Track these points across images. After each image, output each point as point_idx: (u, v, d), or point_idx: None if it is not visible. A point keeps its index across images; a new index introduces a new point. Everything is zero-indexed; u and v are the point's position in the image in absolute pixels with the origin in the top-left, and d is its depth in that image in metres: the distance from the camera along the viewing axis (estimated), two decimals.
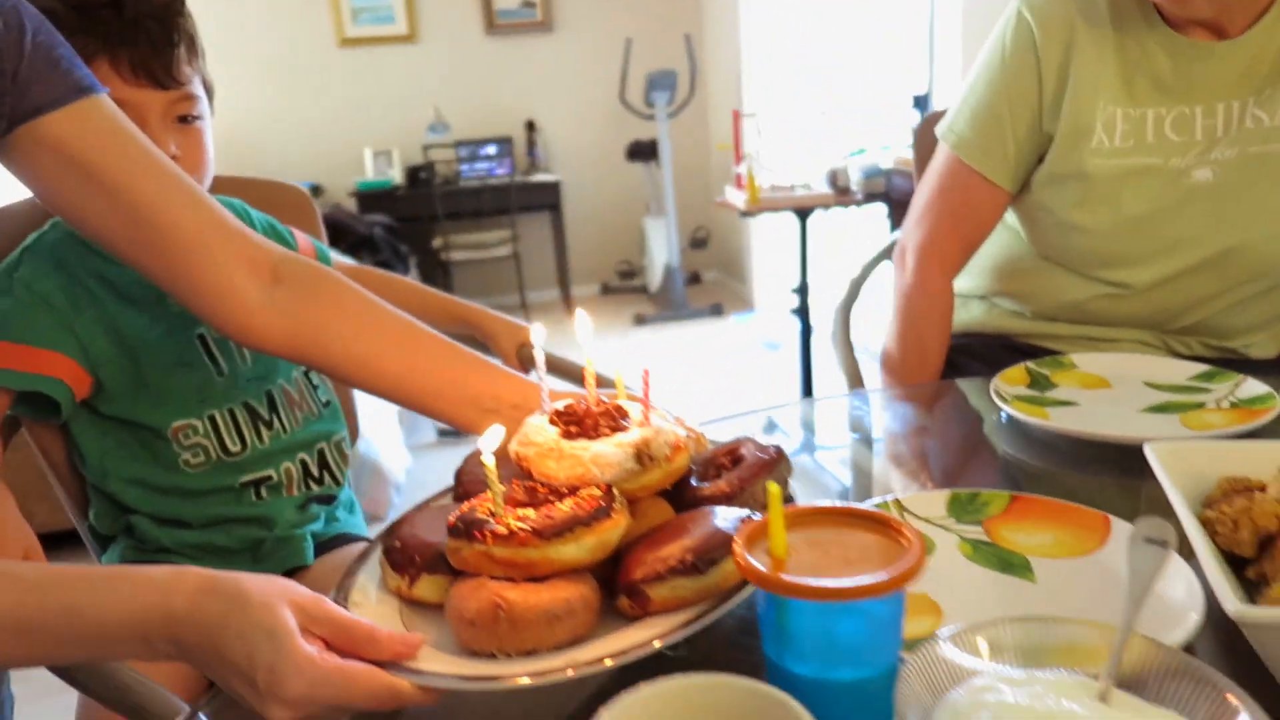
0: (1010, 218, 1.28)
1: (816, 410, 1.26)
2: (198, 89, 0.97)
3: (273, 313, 0.80)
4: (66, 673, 0.71)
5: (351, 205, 5.11)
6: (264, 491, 1.01)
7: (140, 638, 0.58)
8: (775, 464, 0.73)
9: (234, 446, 1.00)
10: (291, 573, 1.02)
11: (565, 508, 0.64)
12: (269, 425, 1.03)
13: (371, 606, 0.67)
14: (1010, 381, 1.04)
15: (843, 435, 1.13)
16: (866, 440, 1.10)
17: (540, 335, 0.78)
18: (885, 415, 1.18)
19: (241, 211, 1.09)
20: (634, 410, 0.73)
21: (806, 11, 4.60)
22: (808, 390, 3.33)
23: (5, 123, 0.73)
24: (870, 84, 4.19)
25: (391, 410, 3.13)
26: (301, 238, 1.14)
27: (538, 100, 5.55)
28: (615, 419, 0.71)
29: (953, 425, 1.11)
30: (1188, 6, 1.06)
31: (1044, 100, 1.17)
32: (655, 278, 5.31)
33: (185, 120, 0.96)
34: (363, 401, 2.87)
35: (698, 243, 5.50)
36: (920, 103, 3.32)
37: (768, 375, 4.08)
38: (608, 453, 0.67)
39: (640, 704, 0.41)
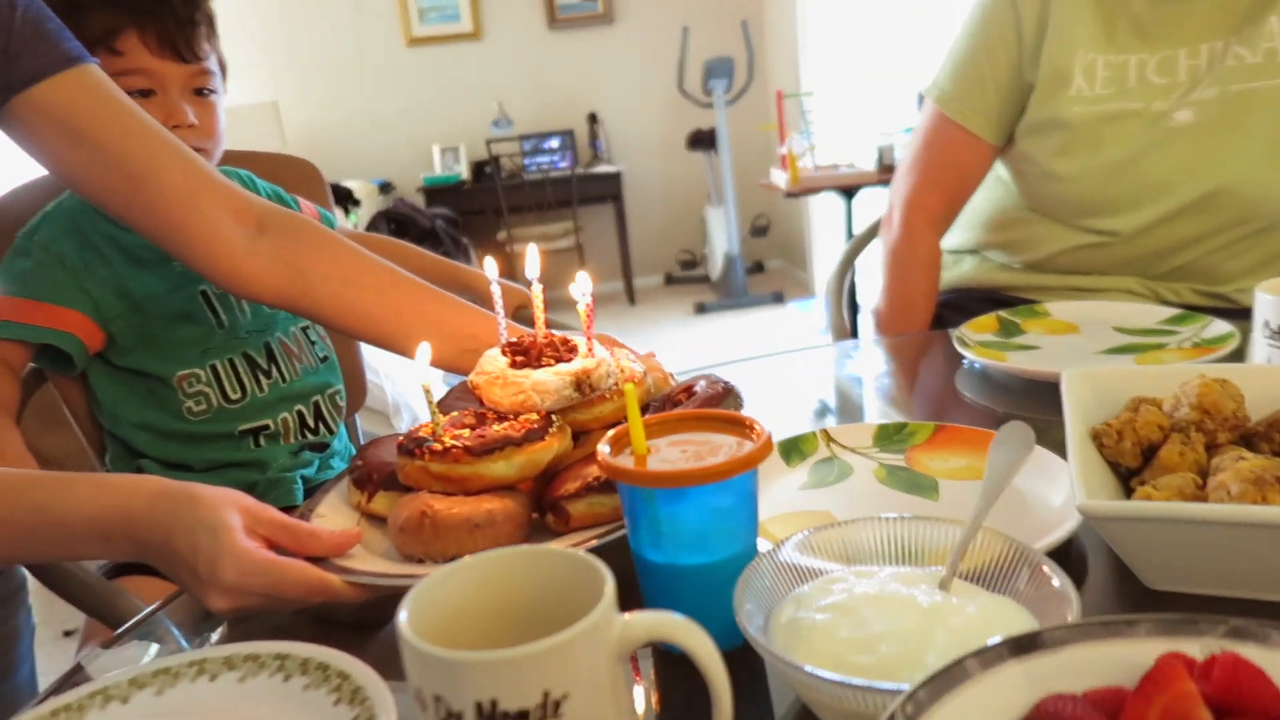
0: (1000, 169, 1.28)
1: (803, 359, 1.29)
2: (214, 65, 1.06)
3: (260, 259, 0.87)
4: (58, 588, 0.78)
5: (420, 200, 5.26)
6: (261, 440, 1.08)
7: (102, 536, 0.65)
8: (723, 397, 0.76)
9: (234, 394, 1.07)
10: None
11: (500, 429, 0.69)
12: (267, 375, 1.09)
13: (334, 519, 0.74)
14: (978, 329, 1.05)
15: (822, 388, 1.15)
16: (848, 388, 1.12)
17: (493, 269, 0.82)
18: (868, 362, 1.20)
19: (248, 180, 1.16)
20: (584, 345, 0.76)
21: None
22: None
23: (0, 94, 0.81)
24: (924, 61, 4.12)
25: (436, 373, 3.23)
26: (306, 204, 1.20)
27: (599, 92, 5.62)
28: (560, 351, 0.76)
29: (931, 374, 1.12)
30: None
31: (1023, 49, 1.17)
32: (717, 267, 5.32)
33: (201, 93, 1.05)
34: (400, 381, 2.97)
35: (759, 230, 5.49)
36: None
37: (824, 361, 4.05)
38: (547, 380, 0.71)
39: (453, 573, 0.45)
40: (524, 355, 0.75)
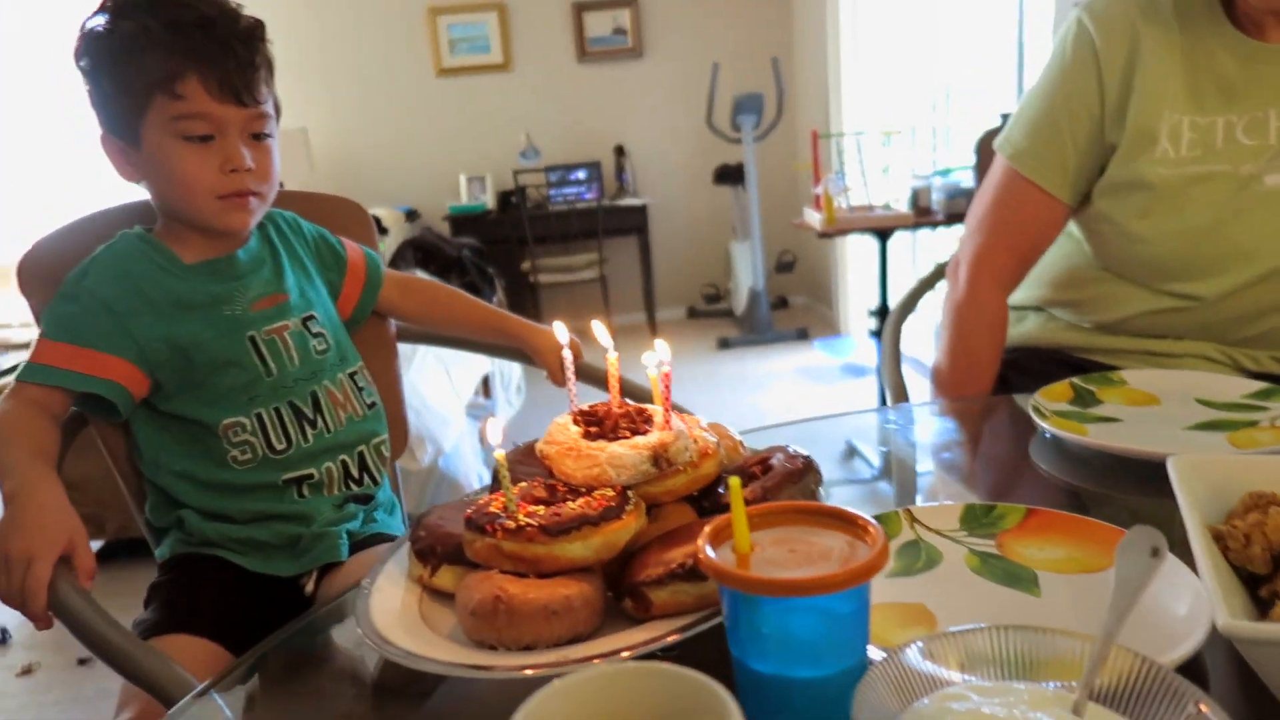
0: (1072, 226, 1.24)
1: (862, 422, 1.23)
2: (270, 108, 1.05)
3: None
4: (95, 648, 0.75)
5: (445, 229, 5.27)
6: (305, 489, 1.05)
7: None
8: (802, 473, 0.72)
9: (279, 444, 1.05)
10: (326, 568, 1.06)
11: (575, 506, 0.65)
12: (313, 424, 1.07)
13: (393, 592, 0.70)
14: (1053, 397, 1.00)
15: (881, 450, 1.11)
16: (906, 454, 1.08)
17: (564, 334, 0.80)
18: (932, 428, 1.15)
19: (292, 222, 1.17)
20: (658, 416, 0.73)
21: (895, 33, 4.55)
22: None
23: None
24: (957, 104, 4.11)
25: (472, 432, 3.20)
26: (351, 246, 1.21)
27: (627, 125, 5.63)
28: (636, 421, 0.72)
29: (1000, 440, 1.08)
30: None
31: (1106, 108, 1.14)
32: (741, 302, 5.30)
33: (258, 137, 1.04)
34: (445, 423, 2.93)
35: (784, 266, 5.47)
36: (1008, 121, 3.24)
37: (848, 401, 4.01)
38: (624, 454, 0.68)
39: (569, 690, 0.41)
40: (598, 426, 0.71)
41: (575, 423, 0.72)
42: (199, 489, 1.04)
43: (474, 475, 3.06)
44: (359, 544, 1.09)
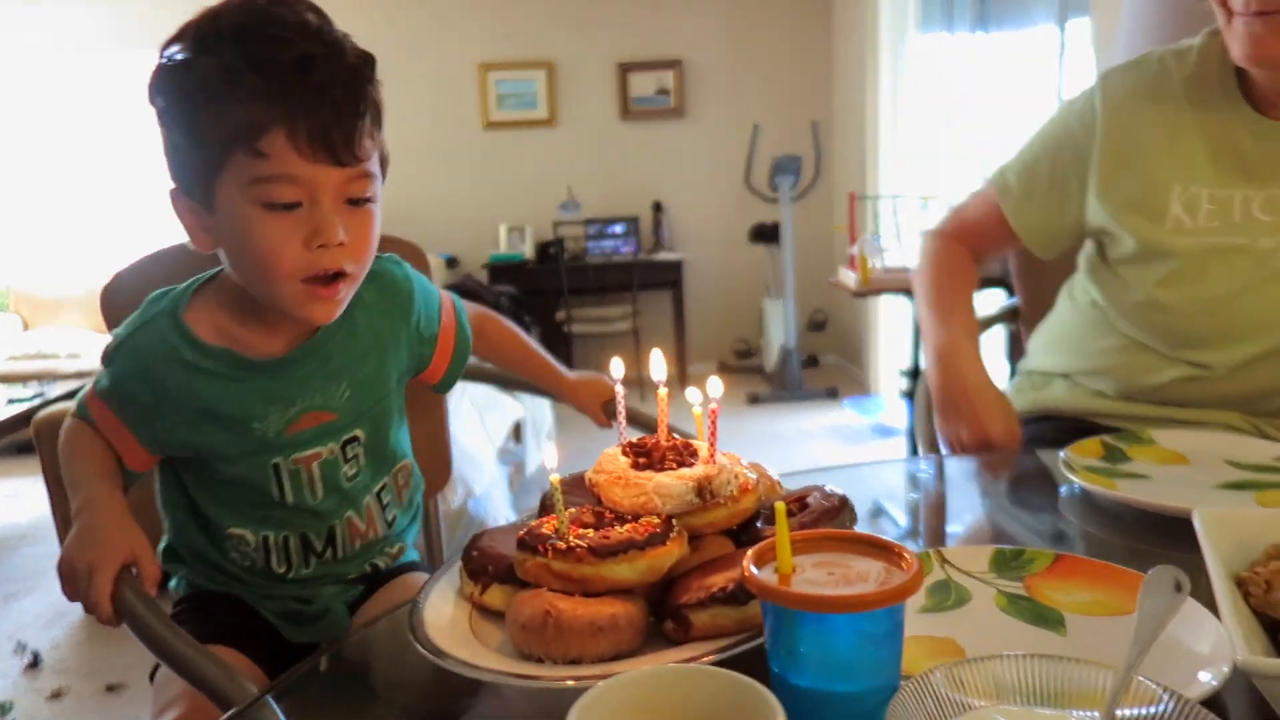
0: (1095, 293, 1.28)
1: (889, 480, 1.26)
2: (375, 166, 0.87)
3: None
4: (159, 651, 0.79)
5: (484, 276, 5.37)
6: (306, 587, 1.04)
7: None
8: (839, 511, 0.76)
9: (279, 569, 1.01)
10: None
11: (623, 531, 0.69)
12: (320, 556, 1.02)
13: (444, 608, 0.74)
14: (1083, 453, 1.03)
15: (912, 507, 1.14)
16: (935, 505, 1.10)
17: (619, 370, 0.83)
18: (963, 478, 1.18)
19: (392, 288, 1.03)
20: (704, 451, 0.77)
21: (934, 100, 4.63)
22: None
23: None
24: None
25: (502, 477, 3.24)
26: (446, 314, 1.10)
27: (666, 182, 5.74)
28: (683, 455, 0.76)
29: (1029, 493, 1.10)
30: None
31: (1093, 185, 1.20)
32: (772, 358, 5.33)
33: (356, 202, 0.86)
34: (477, 466, 2.96)
35: (816, 325, 5.51)
36: None
37: (878, 461, 4.00)
38: (670, 484, 0.72)
39: (620, 688, 0.45)
40: (646, 457, 0.75)
41: (624, 454, 0.76)
42: (198, 561, 1.02)
43: (503, 519, 3.09)
44: (388, 574, 1.09)
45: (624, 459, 0.76)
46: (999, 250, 1.39)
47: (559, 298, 5.24)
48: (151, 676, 1.02)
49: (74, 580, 0.84)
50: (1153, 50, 1.21)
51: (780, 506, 0.55)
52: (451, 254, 5.53)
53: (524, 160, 5.68)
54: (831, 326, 5.65)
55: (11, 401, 3.06)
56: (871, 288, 2.99)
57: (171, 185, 0.89)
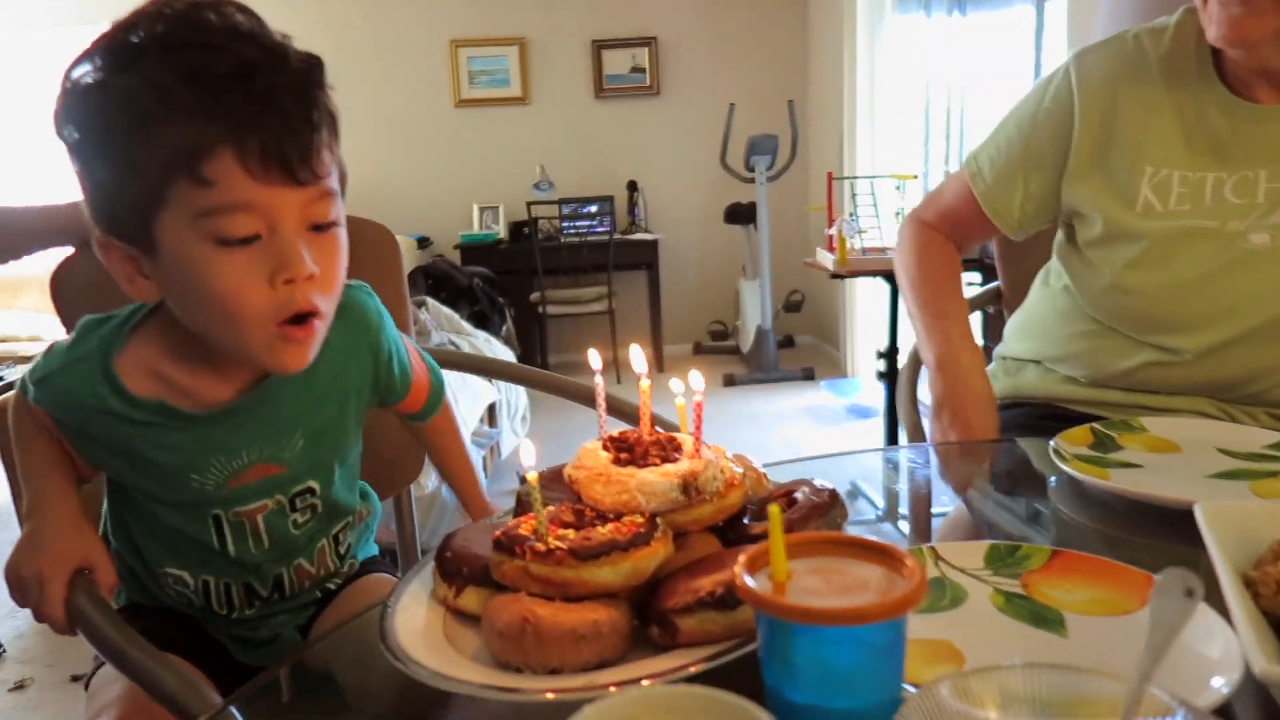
0: (1065, 277, 1.26)
1: (867, 462, 1.24)
2: (335, 183, 0.77)
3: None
4: (117, 660, 0.75)
5: (456, 257, 5.30)
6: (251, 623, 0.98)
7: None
8: (829, 507, 0.73)
9: (221, 611, 0.94)
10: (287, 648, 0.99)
11: (605, 531, 0.65)
12: (265, 600, 0.95)
13: (417, 611, 0.70)
14: (1073, 441, 1.01)
15: (889, 489, 1.11)
16: (922, 495, 1.08)
17: (597, 361, 0.78)
18: (940, 470, 1.16)
19: (360, 329, 0.93)
20: (688, 444, 0.74)
21: (912, 76, 4.61)
22: None
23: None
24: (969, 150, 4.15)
25: (476, 459, 3.20)
26: (418, 376, 1.02)
27: (641, 161, 5.68)
28: (667, 450, 0.72)
29: (1016, 483, 1.08)
30: (1257, 55, 1.04)
31: (1067, 169, 1.18)
32: (748, 339, 5.31)
33: (320, 228, 0.76)
34: None
35: (792, 306, 5.49)
36: None
37: (854, 443, 4.00)
38: (653, 481, 0.68)
39: (606, 714, 0.41)
40: (628, 452, 0.72)
41: (605, 449, 0.73)
42: (132, 579, 0.94)
43: None
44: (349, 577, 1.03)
45: (604, 454, 0.72)
46: (977, 238, 1.37)
47: (533, 278, 5.18)
48: (86, 684, 0.96)
49: (22, 588, 0.80)
50: (1128, 29, 1.19)
51: (775, 511, 0.52)
52: (423, 234, 5.45)
53: (496, 139, 5.60)
54: (808, 308, 5.64)
55: None
56: (849, 269, 2.97)
57: (96, 233, 0.76)
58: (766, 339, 5.09)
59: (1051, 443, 0.99)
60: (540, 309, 5.21)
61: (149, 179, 0.70)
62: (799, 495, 0.76)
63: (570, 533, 0.66)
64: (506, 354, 4.17)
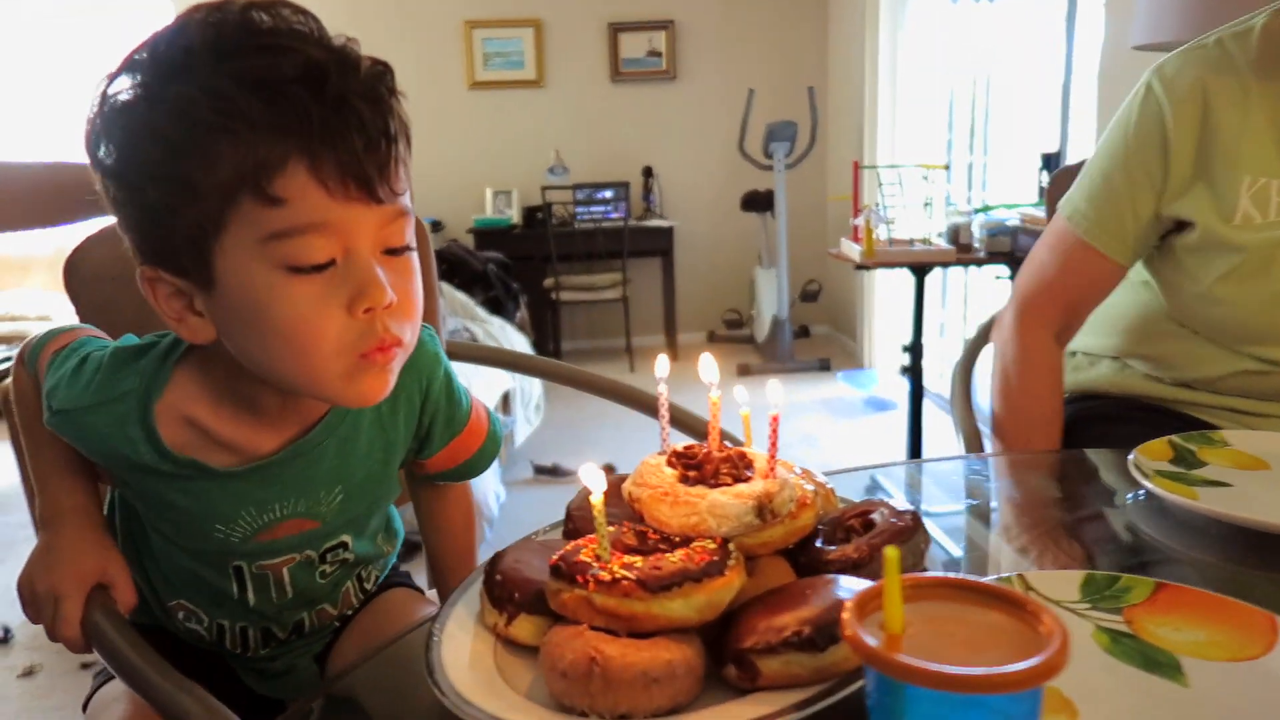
0: (1148, 276, 1.20)
1: (925, 472, 1.17)
2: (409, 199, 0.68)
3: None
4: (139, 687, 0.69)
5: (469, 241, 5.23)
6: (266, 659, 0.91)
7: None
8: (911, 532, 0.67)
9: (235, 650, 0.87)
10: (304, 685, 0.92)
11: (675, 559, 0.59)
12: (282, 642, 0.89)
13: (464, 639, 0.64)
14: (1152, 455, 0.94)
15: (952, 501, 1.05)
16: (982, 509, 1.02)
17: (664, 368, 0.71)
18: (1002, 483, 1.09)
19: (429, 338, 0.85)
20: (759, 461, 0.67)
21: (935, 67, 4.52)
22: (915, 454, 3.20)
23: None
24: (996, 141, 4.07)
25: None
26: (479, 407, 0.92)
27: (657, 147, 5.60)
28: (738, 467, 0.66)
29: (1079, 498, 1.02)
30: None
31: (1170, 183, 1.10)
32: (763, 329, 5.24)
33: (395, 252, 0.67)
34: None
35: (809, 296, 5.42)
36: (1050, 162, 3.20)
37: (872, 436, 3.94)
38: (726, 503, 0.62)
39: None
40: (697, 470, 0.66)
41: (670, 464, 0.67)
42: (140, 600, 0.81)
43: (490, 493, 3.00)
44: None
45: (669, 470, 0.66)
46: (1094, 298, 1.20)
47: (546, 264, 5.12)
48: (84, 707, 0.89)
49: (36, 605, 0.74)
50: (1208, 34, 1.12)
51: (893, 555, 0.45)
52: (435, 218, 5.39)
53: (510, 122, 5.52)
54: (824, 298, 5.56)
55: None
56: (876, 261, 2.90)
57: (141, 265, 0.68)
58: (782, 329, 5.02)
59: (1130, 457, 0.93)
60: (554, 295, 5.15)
61: (208, 200, 0.62)
62: (875, 517, 0.70)
63: (637, 560, 0.60)
64: (521, 341, 4.11)
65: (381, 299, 0.65)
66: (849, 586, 0.59)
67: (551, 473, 3.52)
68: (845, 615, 0.46)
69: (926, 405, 3.27)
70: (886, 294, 4.85)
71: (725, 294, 5.77)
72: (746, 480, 0.65)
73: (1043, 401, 1.19)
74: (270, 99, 0.61)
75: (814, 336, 5.75)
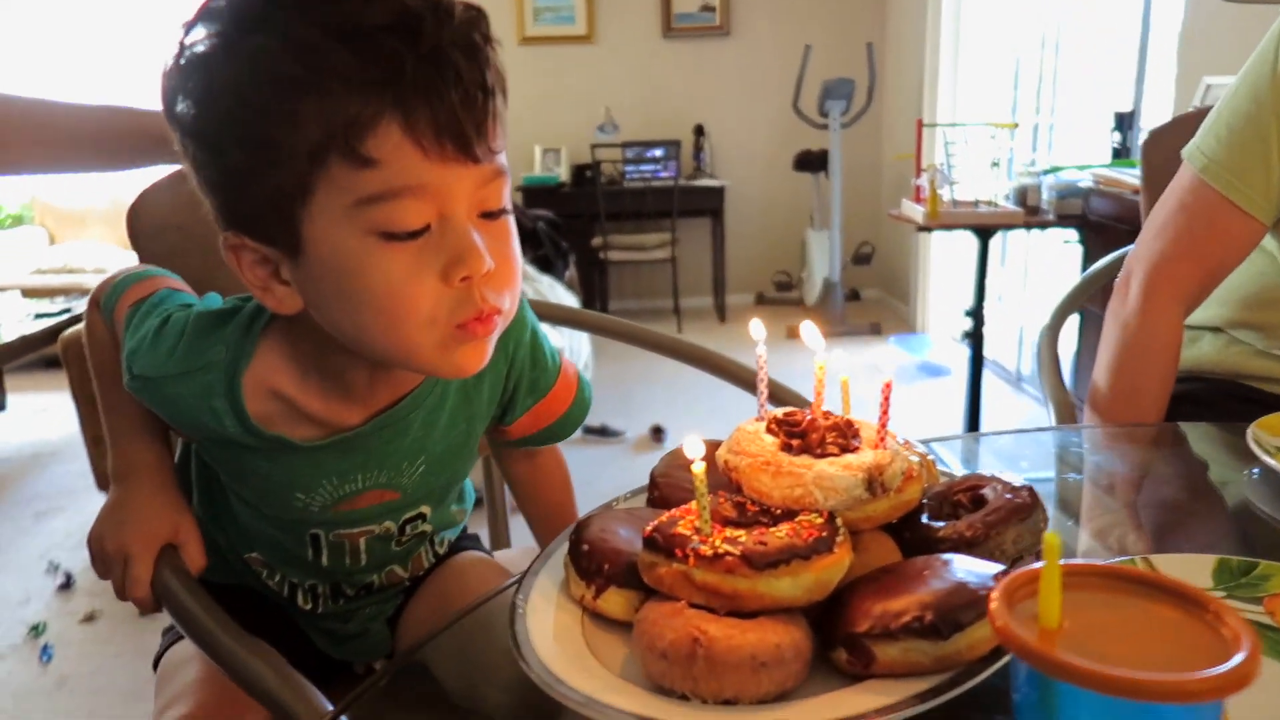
0: (1268, 240, 1.11)
1: (1018, 442, 1.11)
2: (505, 159, 0.64)
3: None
4: (210, 650, 0.67)
5: (517, 199, 5.19)
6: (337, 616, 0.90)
7: None
8: (1029, 509, 0.62)
9: (305, 606, 0.86)
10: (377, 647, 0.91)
11: (781, 534, 0.55)
12: (351, 600, 0.87)
13: (548, 612, 0.61)
14: (1272, 431, 0.88)
15: (1043, 473, 0.99)
16: (1079, 484, 0.96)
17: (760, 331, 0.67)
18: (1092, 457, 1.03)
19: (516, 323, 0.80)
20: (866, 430, 0.63)
21: (999, 22, 4.35)
22: (973, 424, 3.12)
23: None
24: (1067, 99, 3.91)
25: None
26: (568, 369, 0.88)
27: (708, 105, 5.50)
28: (845, 436, 0.62)
29: (1172, 475, 0.96)
30: None
31: None
32: (814, 291, 5.15)
33: (492, 215, 0.63)
34: None
35: (861, 258, 5.31)
36: (1124, 121, 3.06)
37: (924, 402, 3.86)
38: (835, 475, 0.58)
39: None
40: (800, 439, 0.61)
41: (770, 431, 0.62)
42: (212, 553, 0.79)
43: None
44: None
45: (769, 438, 0.62)
46: (1233, 261, 1.09)
47: (594, 223, 5.06)
48: (155, 664, 0.88)
49: (105, 563, 0.72)
50: None
51: (1053, 540, 0.40)
52: None
53: (560, 78, 5.44)
54: (877, 260, 5.45)
55: (39, 316, 2.96)
56: (940, 222, 2.80)
57: (224, 231, 0.64)
58: (834, 291, 4.93)
59: (1249, 432, 0.86)
60: (602, 254, 5.10)
61: (295, 162, 0.57)
62: (988, 492, 0.65)
63: (741, 534, 0.55)
64: (571, 299, 4.07)
65: (480, 267, 0.61)
66: (969, 569, 0.54)
67: (600, 433, 3.50)
68: (994, 605, 0.42)
69: (985, 374, 3.18)
70: (943, 257, 4.73)
71: (775, 255, 5.68)
72: (854, 450, 0.60)
73: (1161, 381, 1.10)
74: (360, 50, 0.56)
75: (864, 300, 5.65)
